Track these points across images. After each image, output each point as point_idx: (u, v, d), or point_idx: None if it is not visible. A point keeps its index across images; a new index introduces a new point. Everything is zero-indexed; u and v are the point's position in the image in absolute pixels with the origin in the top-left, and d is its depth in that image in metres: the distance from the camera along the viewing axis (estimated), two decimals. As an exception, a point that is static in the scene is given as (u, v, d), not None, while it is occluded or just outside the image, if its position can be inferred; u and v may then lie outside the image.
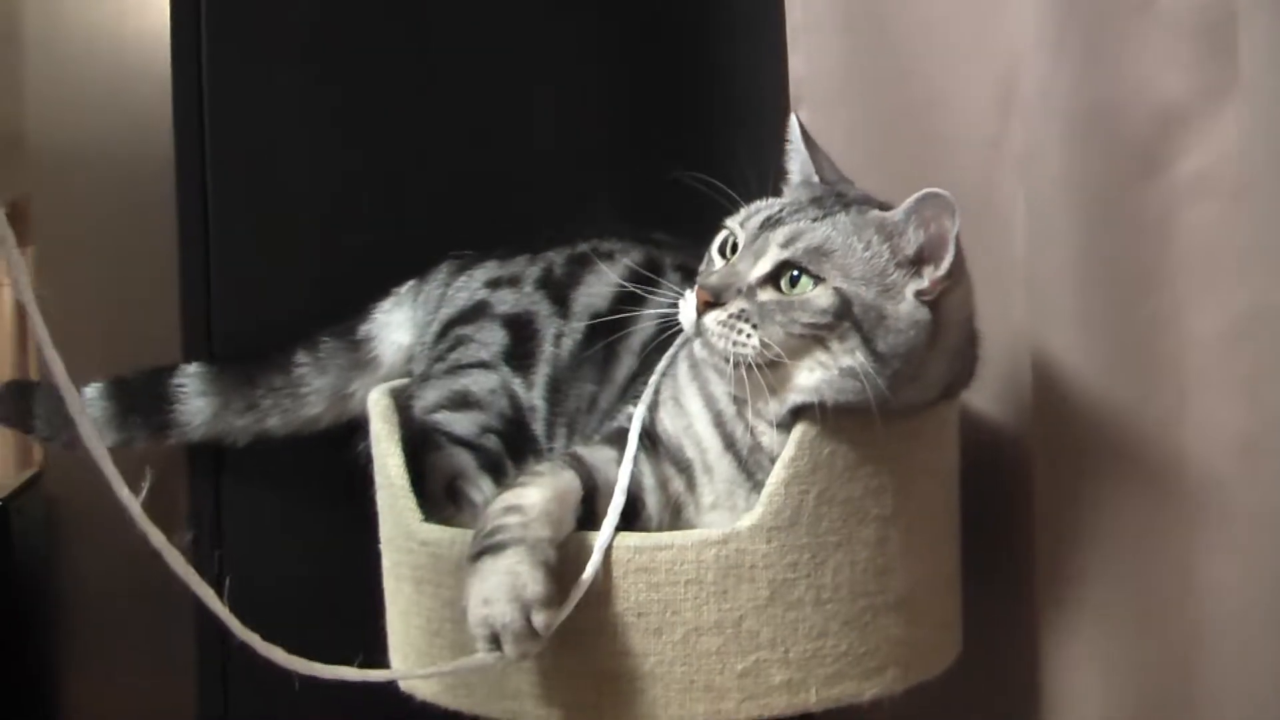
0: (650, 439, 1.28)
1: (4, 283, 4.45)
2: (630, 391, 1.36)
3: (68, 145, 2.14)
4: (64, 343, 1.65)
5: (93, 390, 1.47)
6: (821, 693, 1.20)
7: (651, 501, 1.25)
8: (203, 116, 1.51)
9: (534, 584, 1.10)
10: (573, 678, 1.18)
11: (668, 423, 1.28)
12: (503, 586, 1.09)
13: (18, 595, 2.41)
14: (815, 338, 1.16)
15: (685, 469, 1.26)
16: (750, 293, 1.17)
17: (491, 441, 1.40)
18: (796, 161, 1.32)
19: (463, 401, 1.41)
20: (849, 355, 1.15)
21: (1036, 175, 1.44)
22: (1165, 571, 1.39)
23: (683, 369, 1.29)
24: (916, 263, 1.17)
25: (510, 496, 1.18)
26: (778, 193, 1.32)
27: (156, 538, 0.99)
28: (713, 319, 1.17)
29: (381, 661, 1.37)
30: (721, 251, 1.24)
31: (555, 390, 1.41)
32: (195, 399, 1.46)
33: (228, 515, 1.53)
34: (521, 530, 1.13)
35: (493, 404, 1.41)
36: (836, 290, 1.15)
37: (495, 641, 1.09)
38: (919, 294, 1.17)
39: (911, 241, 1.17)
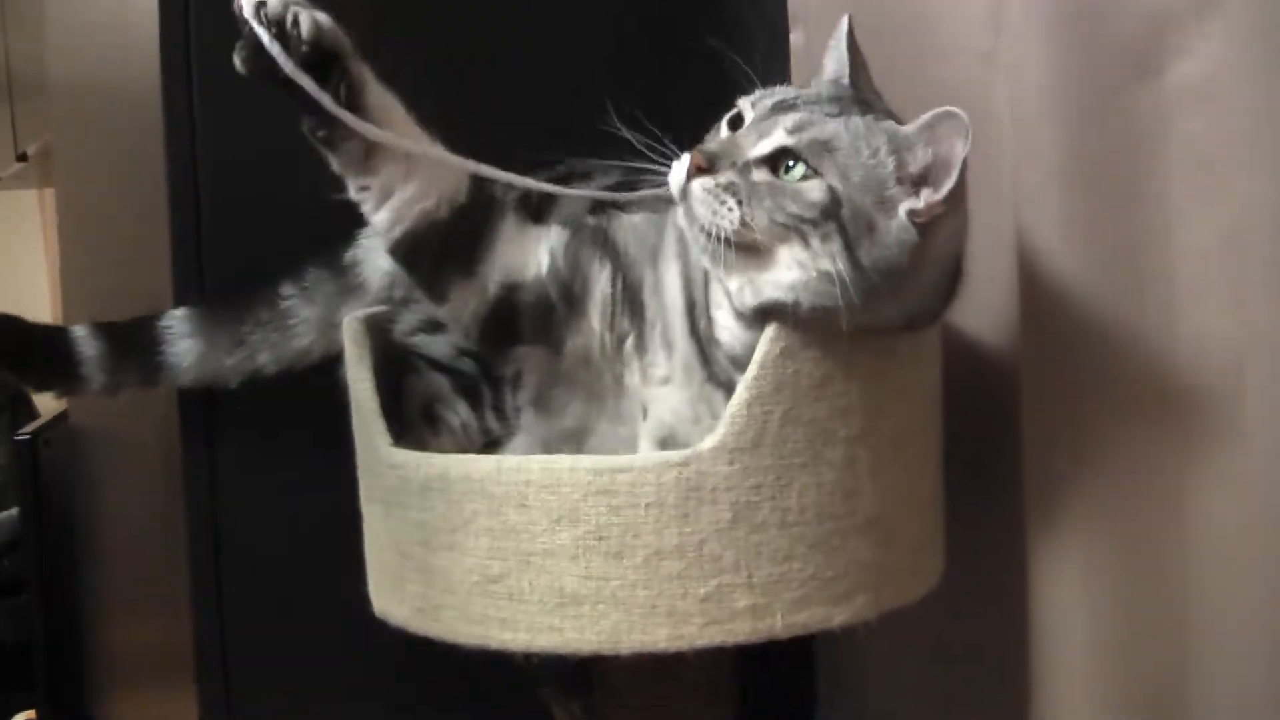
0: (612, 259, 1.28)
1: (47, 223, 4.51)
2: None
3: (87, 89, 2.14)
4: (89, 284, 1.67)
5: (82, 330, 1.47)
6: (787, 618, 1.17)
7: (595, 311, 1.26)
8: (189, 53, 1.50)
9: None
10: (536, 602, 1.17)
11: (636, 267, 1.28)
12: None
13: (47, 525, 2.43)
14: (798, 230, 1.13)
15: (638, 317, 1.26)
16: (745, 169, 1.15)
17: (466, 364, 1.38)
18: (833, 60, 1.28)
19: (439, 324, 1.40)
20: (829, 259, 1.12)
21: (1021, 82, 1.39)
22: (1155, 492, 1.37)
23: (670, 237, 1.28)
24: (919, 183, 1.14)
25: None
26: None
27: None
28: (699, 184, 1.15)
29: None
30: (731, 126, 1.22)
31: None
32: (182, 340, 1.45)
33: (221, 452, 1.55)
34: None
35: None
36: (830, 188, 1.13)
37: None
38: (912, 214, 1.13)
39: (918, 159, 1.14)
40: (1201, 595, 1.34)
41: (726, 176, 1.15)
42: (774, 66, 1.71)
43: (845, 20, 1.28)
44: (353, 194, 1.23)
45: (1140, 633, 1.38)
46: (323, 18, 1.14)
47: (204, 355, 1.45)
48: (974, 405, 1.40)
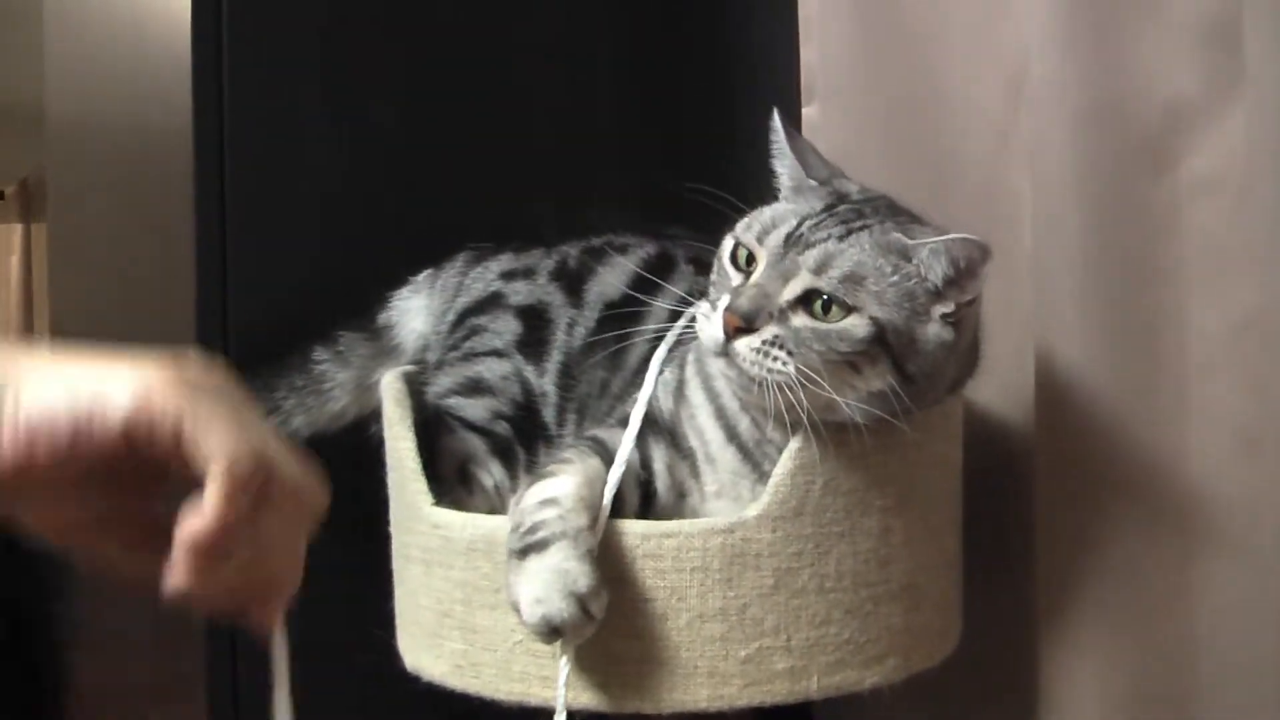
0: (657, 423, 1.30)
1: (13, 250, 4.46)
2: (641, 376, 1.37)
3: (85, 122, 2.15)
4: (75, 323, 1.67)
5: None
6: (823, 680, 1.21)
7: (661, 485, 1.28)
8: (222, 101, 1.52)
9: (584, 577, 1.12)
10: (579, 660, 1.20)
11: (668, 408, 1.30)
12: (554, 584, 1.12)
13: (25, 572, 2.41)
14: (850, 364, 1.16)
15: (688, 456, 1.28)
16: (782, 317, 1.16)
17: (502, 427, 1.42)
18: (785, 163, 1.30)
19: (475, 387, 1.43)
20: (879, 379, 1.16)
21: (1044, 168, 1.45)
22: (1164, 570, 1.41)
23: (690, 360, 1.31)
24: (942, 289, 1.18)
25: (542, 489, 1.19)
26: (775, 194, 1.32)
27: None
28: (745, 345, 1.15)
29: (389, 643, 1.40)
30: (735, 263, 1.22)
31: (567, 376, 1.42)
32: None
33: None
34: (561, 524, 1.15)
35: (505, 390, 1.43)
36: (873, 319, 1.15)
37: (554, 634, 1.13)
38: (944, 316, 1.18)
39: (939, 274, 1.17)
40: (1206, 674, 1.39)
41: (770, 331, 1.15)
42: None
43: (775, 119, 1.29)
44: None
45: (1148, 706, 1.43)
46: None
47: None
48: (990, 478, 1.45)
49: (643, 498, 1.27)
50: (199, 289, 1.51)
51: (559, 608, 1.11)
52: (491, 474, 1.40)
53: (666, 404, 1.31)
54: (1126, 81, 1.38)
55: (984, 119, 1.54)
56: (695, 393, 1.30)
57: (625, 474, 1.23)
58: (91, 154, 2.06)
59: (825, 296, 1.15)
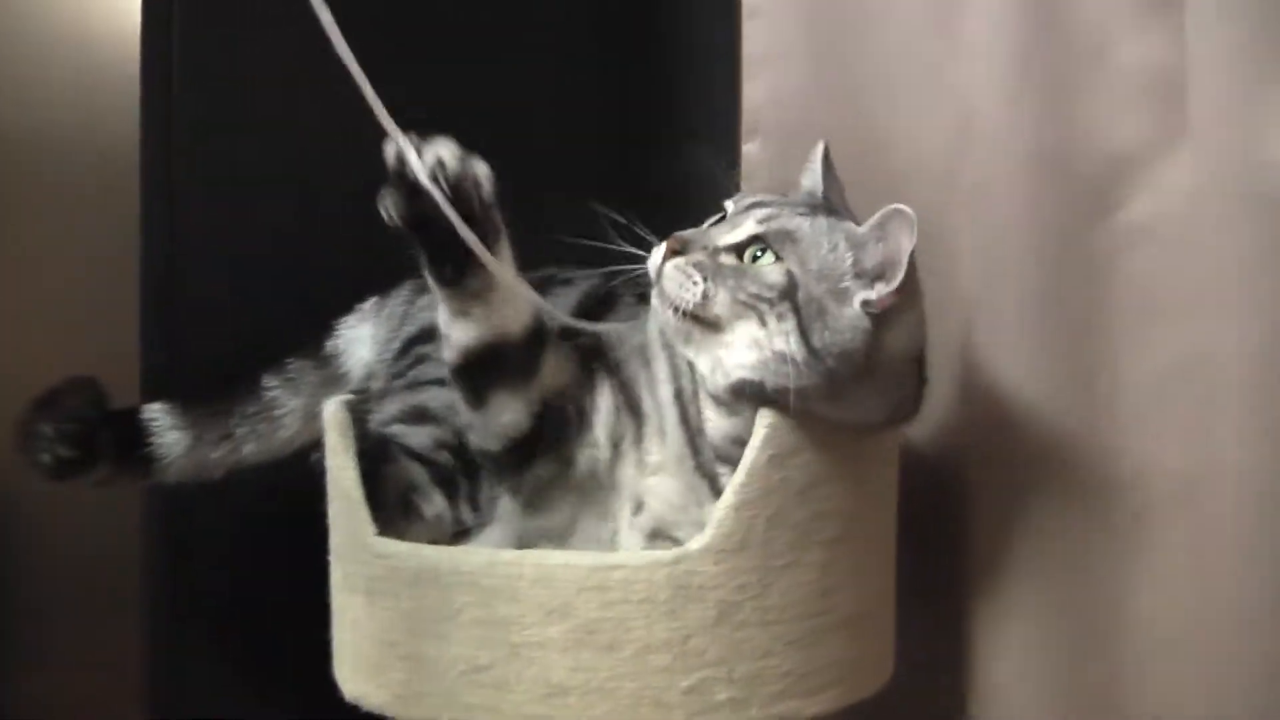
0: (615, 366, 1.35)
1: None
2: None
3: (25, 140, 2.12)
4: (13, 349, 1.64)
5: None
6: (764, 711, 1.22)
7: (601, 429, 1.32)
8: (170, 124, 1.51)
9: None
10: (523, 692, 1.20)
11: (629, 369, 1.34)
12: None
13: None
14: (755, 309, 1.21)
15: (636, 415, 1.32)
16: (714, 253, 1.25)
17: (445, 457, 1.41)
18: (809, 179, 1.38)
19: (419, 416, 1.43)
20: (783, 338, 1.21)
21: (987, 213, 1.48)
22: (1097, 603, 1.44)
23: (653, 332, 1.35)
24: (875, 277, 1.22)
25: None
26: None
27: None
28: (671, 264, 1.24)
29: (328, 673, 1.40)
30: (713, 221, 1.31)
31: None
32: (169, 433, 1.45)
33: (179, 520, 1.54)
34: None
35: (448, 419, 1.43)
36: (789, 272, 1.22)
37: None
38: (865, 304, 1.21)
39: (872, 255, 1.22)
40: (1138, 701, 1.42)
41: (695, 257, 1.24)
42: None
43: (821, 146, 1.37)
44: (448, 316, 1.28)
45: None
46: (488, 173, 1.22)
47: (191, 448, 1.45)
48: (924, 515, 1.47)
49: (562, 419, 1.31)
50: (143, 314, 1.51)
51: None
52: (433, 503, 1.40)
53: (628, 354, 1.35)
54: (1070, 131, 1.42)
55: (930, 163, 1.57)
56: (660, 367, 1.33)
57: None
58: (32, 173, 2.03)
59: (760, 248, 1.23)
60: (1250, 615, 1.30)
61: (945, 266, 1.52)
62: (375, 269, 1.58)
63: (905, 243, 1.20)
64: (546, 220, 1.74)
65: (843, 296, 1.22)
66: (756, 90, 1.75)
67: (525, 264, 1.53)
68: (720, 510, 1.21)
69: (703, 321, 1.23)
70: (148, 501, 1.53)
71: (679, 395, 1.31)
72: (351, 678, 1.35)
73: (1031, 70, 1.44)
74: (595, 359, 1.35)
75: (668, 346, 1.33)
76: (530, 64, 1.81)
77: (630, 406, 1.32)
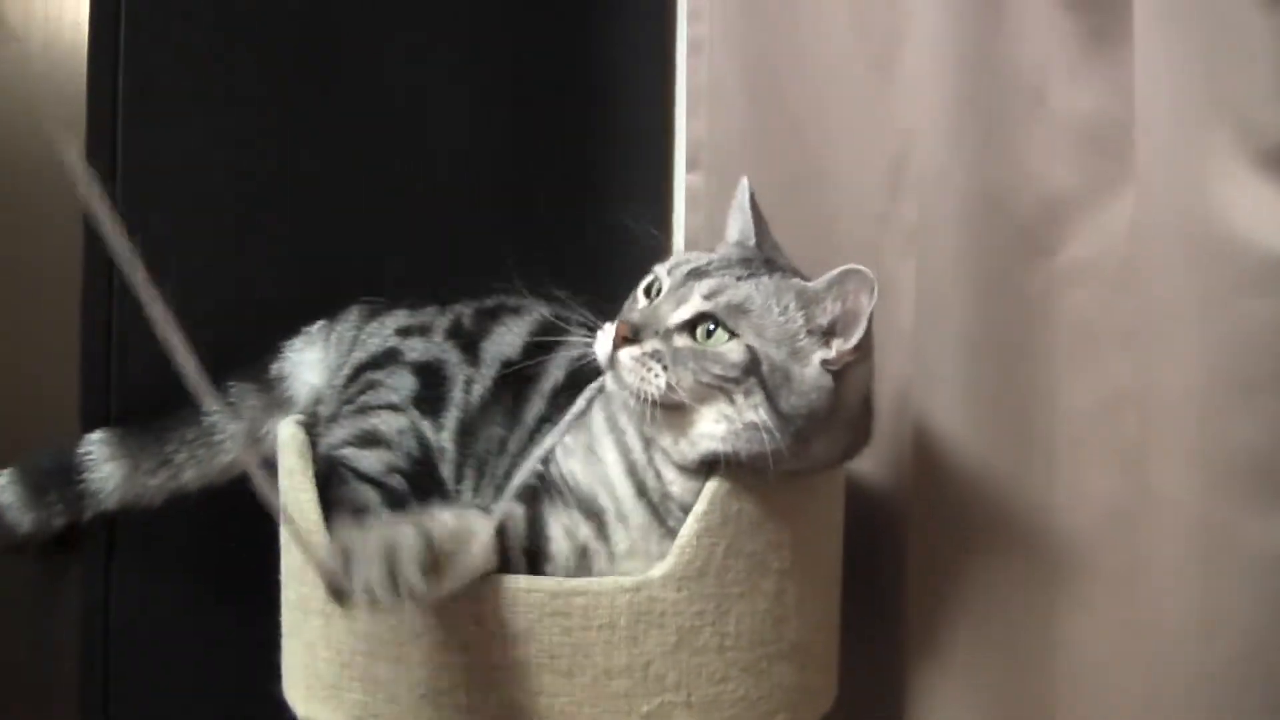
0: (557, 488, 1.32)
1: None
2: (539, 434, 1.41)
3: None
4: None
5: (1, 479, 1.44)
6: (719, 735, 1.26)
7: (556, 550, 1.30)
8: (115, 139, 1.49)
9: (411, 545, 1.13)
10: (486, 714, 1.22)
11: (580, 472, 1.32)
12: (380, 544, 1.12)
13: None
14: (722, 389, 1.22)
15: (596, 516, 1.31)
16: (667, 335, 1.23)
17: (397, 481, 1.43)
18: (738, 223, 1.38)
19: (370, 440, 1.44)
20: (752, 410, 1.22)
21: (928, 251, 1.53)
22: (1029, 631, 1.49)
23: (598, 419, 1.34)
24: (828, 333, 1.24)
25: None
26: (668, 253, 1.38)
27: None
28: (627, 354, 1.23)
29: (278, 693, 1.40)
30: (647, 293, 1.30)
31: (465, 434, 1.44)
32: (104, 465, 1.44)
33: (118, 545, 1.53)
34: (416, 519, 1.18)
35: (400, 444, 1.44)
36: (749, 348, 1.22)
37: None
38: (825, 362, 1.24)
39: (827, 312, 1.24)
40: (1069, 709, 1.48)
41: (651, 345, 1.23)
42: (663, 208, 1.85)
43: (744, 183, 1.38)
44: None
45: None
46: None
47: (128, 478, 1.45)
48: (866, 543, 1.51)
49: (530, 563, 1.29)
50: (84, 336, 1.47)
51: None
52: None
53: (571, 467, 1.33)
54: (1010, 173, 1.47)
55: (864, 200, 1.62)
56: (608, 451, 1.33)
57: (511, 536, 1.28)
58: None
59: (712, 324, 1.22)
60: (1178, 640, 1.35)
61: (880, 306, 1.57)
62: (322, 290, 1.59)
63: (865, 303, 1.23)
64: (483, 251, 1.79)
65: (801, 357, 1.23)
66: (699, 124, 1.78)
67: (471, 292, 1.56)
68: (682, 538, 1.25)
69: (667, 407, 1.23)
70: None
71: (632, 470, 1.31)
72: (305, 699, 1.35)
73: (970, 111, 1.49)
74: (555, 496, 1.33)
75: (613, 429, 1.33)
76: (454, 102, 1.82)
77: (586, 511, 1.31)
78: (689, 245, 1.84)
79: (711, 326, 1.23)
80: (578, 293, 1.51)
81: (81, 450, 1.45)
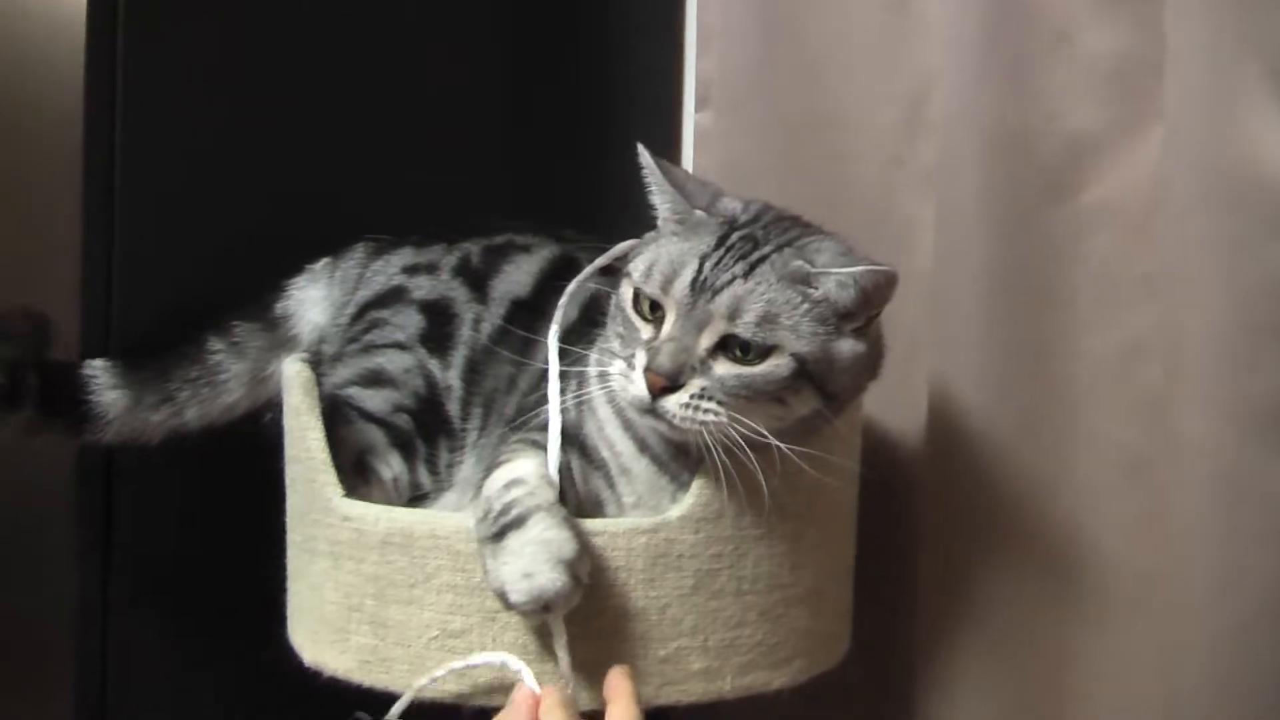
0: (568, 435, 1.28)
1: None
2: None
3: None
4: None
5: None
6: (735, 680, 1.24)
7: (572, 495, 1.26)
8: (115, 76, 1.45)
9: (568, 543, 1.13)
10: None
11: (573, 420, 1.29)
12: (541, 555, 1.12)
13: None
14: (775, 398, 1.18)
15: (600, 467, 1.28)
16: (704, 367, 1.17)
17: (403, 420, 1.40)
18: (665, 197, 1.27)
19: (375, 379, 1.42)
20: (804, 405, 1.19)
21: (949, 194, 1.51)
22: (1041, 585, 1.49)
23: (591, 373, 1.28)
24: (852, 310, 1.20)
25: (503, 474, 1.19)
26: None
27: None
28: (674, 403, 1.16)
29: (280, 635, 1.38)
30: (639, 311, 1.22)
31: (473, 371, 1.42)
32: (108, 391, 1.40)
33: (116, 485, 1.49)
34: (533, 498, 1.16)
35: (406, 383, 1.41)
36: (794, 355, 1.17)
37: (544, 608, 1.13)
38: (856, 332, 1.21)
39: (849, 299, 1.19)
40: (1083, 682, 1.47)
41: (695, 384, 1.16)
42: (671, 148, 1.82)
43: (641, 152, 1.26)
44: None
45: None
46: None
47: (129, 410, 1.41)
48: (879, 490, 1.47)
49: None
50: (84, 272, 1.44)
51: (549, 578, 1.11)
52: (390, 466, 1.39)
53: (571, 416, 1.29)
54: (1034, 113, 1.45)
55: (880, 142, 1.59)
56: (601, 406, 1.29)
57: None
58: None
59: (743, 343, 1.17)
60: (1197, 593, 1.34)
61: (894, 248, 1.55)
62: (326, 226, 1.56)
63: (889, 294, 1.20)
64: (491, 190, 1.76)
65: (833, 336, 1.19)
66: (709, 63, 1.75)
67: (478, 230, 1.53)
68: (699, 480, 1.22)
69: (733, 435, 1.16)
70: (81, 462, 1.47)
71: (628, 426, 1.27)
72: (311, 643, 1.33)
73: (993, 50, 1.46)
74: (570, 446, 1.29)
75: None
76: (459, 37, 1.78)
77: (590, 461, 1.28)
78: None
79: (745, 343, 1.17)
80: (586, 231, 1.49)
81: (85, 372, 1.41)
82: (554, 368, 1.29)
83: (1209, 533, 1.32)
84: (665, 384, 1.15)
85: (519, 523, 1.14)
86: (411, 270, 1.49)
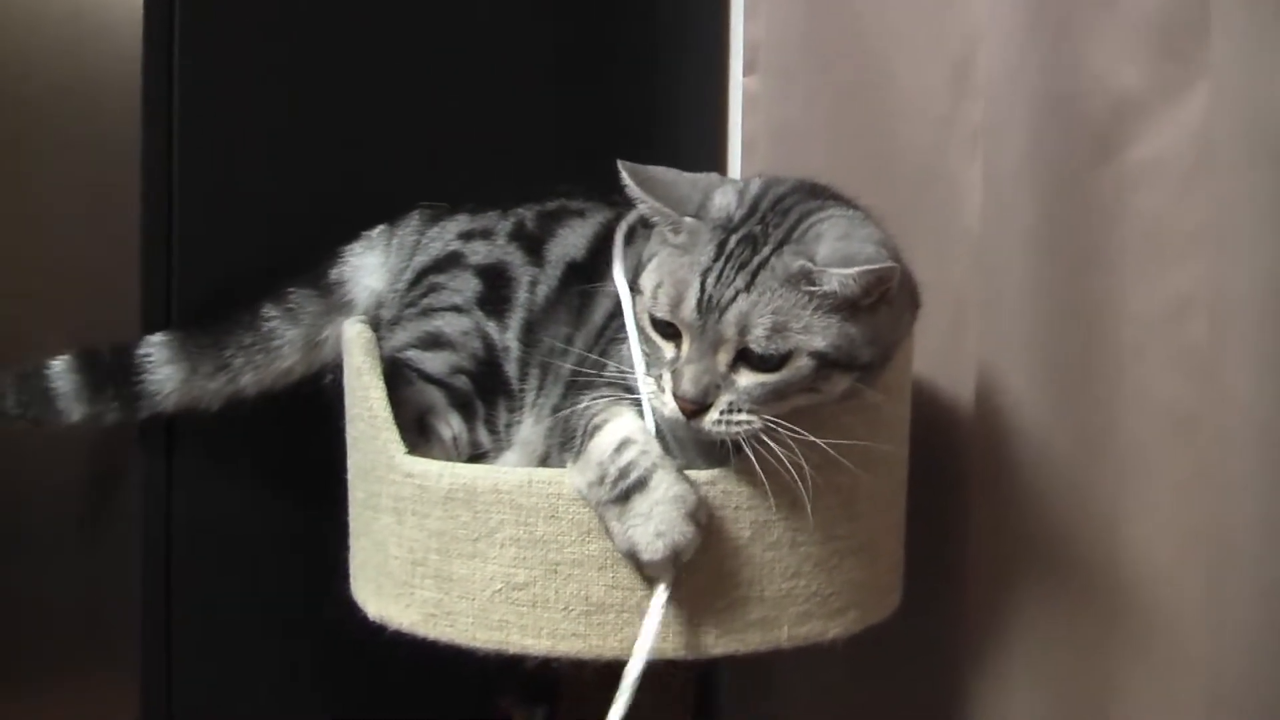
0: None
1: None
2: (607, 333, 1.40)
3: (25, 74, 2.05)
4: (12, 277, 1.61)
5: (60, 363, 1.45)
6: (792, 630, 1.26)
7: None
8: (172, 50, 1.48)
9: (690, 494, 1.18)
10: (561, 610, 1.23)
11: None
12: (671, 513, 1.16)
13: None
14: (808, 390, 1.20)
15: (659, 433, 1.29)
16: (729, 382, 1.19)
17: (461, 381, 1.43)
18: (652, 211, 1.26)
19: (434, 341, 1.45)
20: (837, 386, 1.21)
21: (996, 155, 1.52)
22: (1093, 549, 1.50)
23: (643, 395, 1.27)
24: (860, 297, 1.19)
25: (608, 435, 1.22)
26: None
27: None
28: (709, 421, 1.19)
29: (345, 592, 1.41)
30: (659, 329, 1.23)
31: (530, 332, 1.45)
32: (163, 367, 1.44)
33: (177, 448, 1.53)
34: (648, 458, 1.20)
35: (465, 345, 1.44)
36: (812, 354, 1.18)
37: (676, 561, 1.17)
38: (871, 305, 1.20)
39: (854, 289, 1.17)
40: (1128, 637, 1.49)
41: (724, 400, 1.18)
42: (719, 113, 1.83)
43: (621, 169, 1.24)
44: None
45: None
46: None
47: (186, 381, 1.45)
48: (928, 453, 1.49)
49: None
50: (144, 243, 1.48)
51: (681, 531, 1.16)
52: (450, 425, 1.42)
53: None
54: (1080, 73, 1.46)
55: (927, 105, 1.60)
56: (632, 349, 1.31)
57: None
58: (32, 105, 1.98)
59: (759, 355, 1.18)
60: (1242, 549, 1.36)
61: (943, 205, 1.56)
62: (380, 194, 1.59)
63: (894, 283, 1.19)
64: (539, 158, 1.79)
65: (849, 318, 1.19)
66: (757, 27, 1.77)
67: (531, 197, 1.56)
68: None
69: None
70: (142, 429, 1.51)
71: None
72: (375, 598, 1.36)
73: (1040, 12, 1.47)
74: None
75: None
76: (509, 5, 1.80)
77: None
78: (746, 150, 1.82)
79: (761, 356, 1.18)
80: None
81: (141, 351, 1.45)
82: (626, 303, 1.31)
83: (1254, 491, 1.34)
84: (694, 407, 1.18)
85: (641, 485, 1.17)
86: (467, 236, 1.51)
